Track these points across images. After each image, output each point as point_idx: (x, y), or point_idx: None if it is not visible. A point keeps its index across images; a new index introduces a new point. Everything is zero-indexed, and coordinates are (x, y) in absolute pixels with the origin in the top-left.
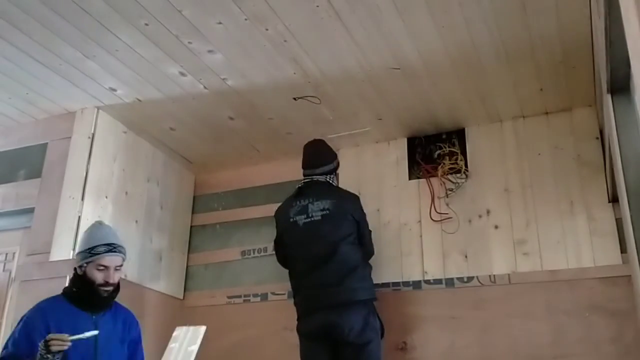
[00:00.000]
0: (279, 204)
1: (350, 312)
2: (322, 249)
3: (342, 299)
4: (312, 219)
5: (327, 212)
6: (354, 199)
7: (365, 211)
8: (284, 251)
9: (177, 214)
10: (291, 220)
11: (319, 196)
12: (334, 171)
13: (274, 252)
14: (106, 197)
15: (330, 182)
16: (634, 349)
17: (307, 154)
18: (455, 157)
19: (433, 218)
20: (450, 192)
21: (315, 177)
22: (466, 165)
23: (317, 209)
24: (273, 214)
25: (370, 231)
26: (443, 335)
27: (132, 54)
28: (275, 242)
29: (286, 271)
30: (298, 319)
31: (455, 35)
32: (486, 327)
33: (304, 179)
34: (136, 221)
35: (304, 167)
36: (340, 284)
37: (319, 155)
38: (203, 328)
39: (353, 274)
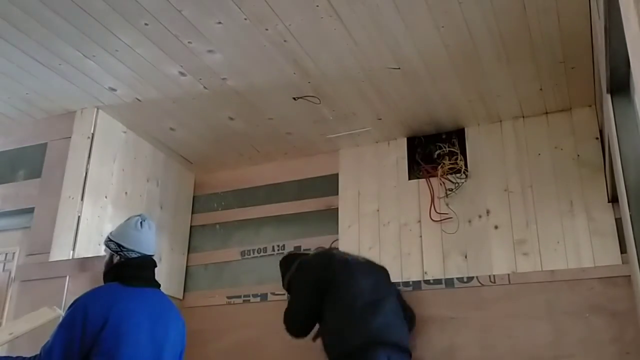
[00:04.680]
0: (279, 204)
1: None
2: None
3: None
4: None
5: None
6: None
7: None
8: None
9: (176, 214)
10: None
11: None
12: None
13: (273, 252)
14: (106, 197)
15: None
16: (634, 349)
17: None
18: (455, 157)
19: (433, 218)
20: (450, 192)
21: None
22: (466, 165)
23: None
24: (273, 214)
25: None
26: (443, 335)
27: (132, 54)
28: None
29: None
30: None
31: (455, 35)
32: (486, 328)
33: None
34: None
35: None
36: None
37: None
38: (57, 313)
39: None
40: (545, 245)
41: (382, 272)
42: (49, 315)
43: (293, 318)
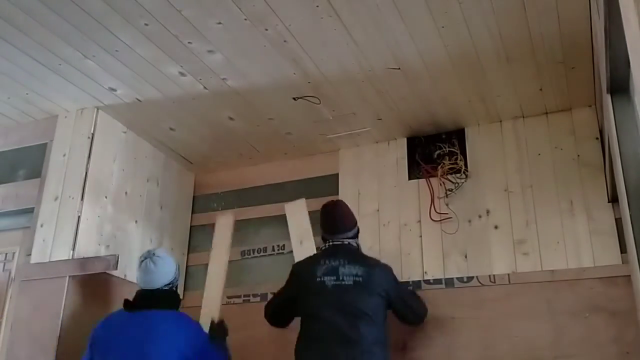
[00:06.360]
0: (279, 204)
1: None
2: (346, 317)
3: None
4: (343, 282)
5: (360, 279)
6: (387, 271)
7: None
8: (293, 307)
9: (177, 214)
10: (318, 279)
11: (351, 260)
12: (357, 235)
13: (273, 252)
14: (106, 197)
15: (360, 248)
16: (634, 349)
17: (331, 217)
18: (455, 157)
19: (433, 218)
20: (450, 192)
21: (346, 241)
22: (466, 166)
23: (348, 272)
24: (273, 214)
25: (412, 292)
26: (443, 335)
27: (132, 54)
28: (285, 295)
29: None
30: None
31: (455, 35)
32: (486, 327)
33: (332, 242)
34: (136, 221)
35: (329, 232)
36: (355, 357)
37: (344, 219)
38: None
39: (370, 351)
40: (545, 245)
41: (362, 285)
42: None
43: (267, 306)
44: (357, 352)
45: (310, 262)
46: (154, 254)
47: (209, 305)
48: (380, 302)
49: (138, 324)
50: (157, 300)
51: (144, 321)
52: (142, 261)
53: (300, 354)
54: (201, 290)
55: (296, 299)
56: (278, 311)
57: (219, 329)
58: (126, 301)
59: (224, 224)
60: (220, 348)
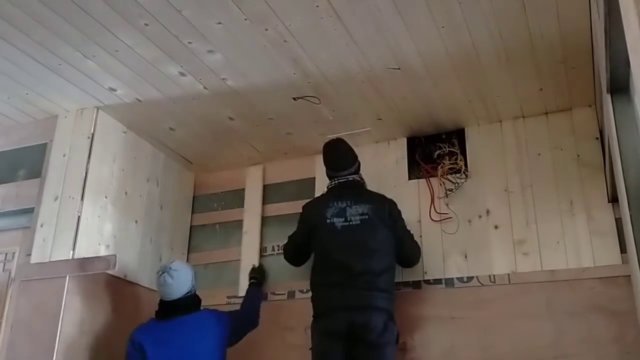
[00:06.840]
0: (280, 204)
1: (373, 313)
2: (358, 255)
3: (365, 303)
4: (351, 223)
5: (366, 216)
6: (392, 204)
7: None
8: (308, 245)
9: (176, 214)
10: (328, 221)
11: (357, 200)
12: (359, 169)
13: (274, 252)
14: (106, 197)
15: (364, 182)
16: (634, 349)
17: (333, 155)
18: (455, 157)
19: (433, 218)
20: (450, 192)
21: (351, 177)
22: (466, 166)
23: (355, 212)
24: (273, 214)
25: (412, 234)
26: (443, 335)
27: (132, 54)
28: (300, 235)
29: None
30: (316, 317)
31: (455, 36)
32: (486, 328)
33: (338, 180)
34: (136, 221)
35: (333, 169)
36: (368, 289)
37: (345, 155)
38: None
39: (378, 282)
40: (545, 245)
41: (368, 222)
42: None
43: (286, 248)
44: (370, 289)
45: (319, 203)
46: (170, 267)
47: (248, 257)
48: (388, 233)
49: (178, 329)
50: (181, 308)
51: (182, 326)
52: (160, 275)
53: (317, 289)
54: (201, 290)
55: (309, 236)
56: (296, 251)
57: (259, 272)
58: (159, 312)
59: (253, 175)
60: (251, 302)
